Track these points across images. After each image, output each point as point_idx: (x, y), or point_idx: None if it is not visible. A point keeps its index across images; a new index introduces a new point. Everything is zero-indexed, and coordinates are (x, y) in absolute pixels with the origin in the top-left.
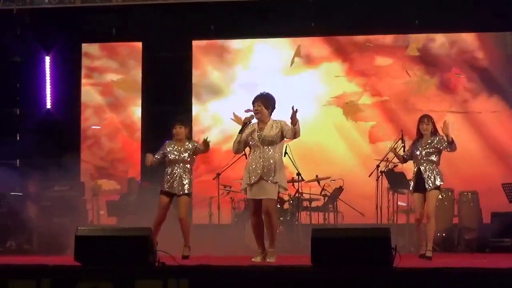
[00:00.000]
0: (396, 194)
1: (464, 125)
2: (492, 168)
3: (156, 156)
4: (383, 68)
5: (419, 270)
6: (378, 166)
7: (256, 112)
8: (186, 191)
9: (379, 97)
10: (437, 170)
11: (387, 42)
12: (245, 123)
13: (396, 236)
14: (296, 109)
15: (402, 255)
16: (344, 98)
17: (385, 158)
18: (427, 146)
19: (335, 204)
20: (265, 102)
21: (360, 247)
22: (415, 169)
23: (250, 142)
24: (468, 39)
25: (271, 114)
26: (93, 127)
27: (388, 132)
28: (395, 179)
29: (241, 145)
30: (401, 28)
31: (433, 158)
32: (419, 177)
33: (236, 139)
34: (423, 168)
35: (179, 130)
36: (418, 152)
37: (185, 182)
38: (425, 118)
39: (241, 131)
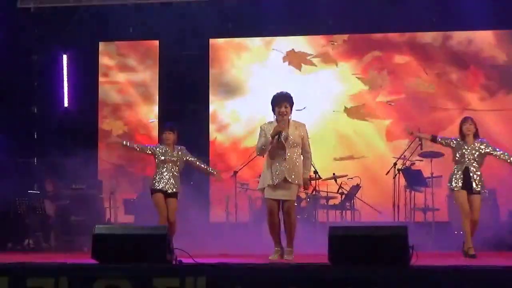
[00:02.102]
0: (413, 192)
1: (481, 123)
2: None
3: (131, 142)
4: (400, 66)
5: (437, 269)
6: (395, 164)
7: (285, 114)
8: (175, 190)
9: (396, 95)
10: (481, 174)
11: (405, 40)
12: (280, 132)
13: (413, 234)
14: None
15: (420, 254)
16: (361, 96)
17: (402, 156)
18: (476, 148)
19: (352, 202)
20: (290, 103)
21: (377, 245)
22: (460, 168)
23: (276, 145)
24: (486, 36)
25: (291, 114)
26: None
27: (405, 130)
28: (412, 177)
29: (268, 150)
30: (418, 26)
31: (481, 160)
32: (466, 177)
33: (264, 143)
34: (472, 169)
35: (168, 136)
36: (466, 152)
37: (175, 182)
38: (469, 119)
39: (273, 138)
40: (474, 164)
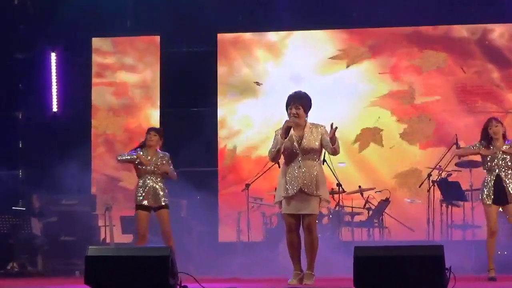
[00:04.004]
0: (450, 206)
1: None
2: None
3: (125, 154)
4: (434, 63)
5: None
6: (429, 175)
7: (296, 115)
8: (163, 203)
9: (429, 96)
10: None
11: (439, 34)
12: (289, 128)
13: (450, 255)
14: (336, 127)
15: (458, 277)
16: (390, 98)
17: (438, 166)
18: (507, 152)
19: (380, 218)
20: (304, 104)
21: (409, 267)
22: (490, 177)
23: (288, 150)
24: None
25: (307, 116)
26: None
27: (440, 136)
28: (449, 190)
29: (281, 153)
30: (454, 18)
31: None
32: (498, 186)
33: (276, 145)
34: (504, 174)
35: (153, 137)
36: (496, 158)
37: (160, 194)
38: (494, 120)
39: (284, 136)
40: (507, 171)
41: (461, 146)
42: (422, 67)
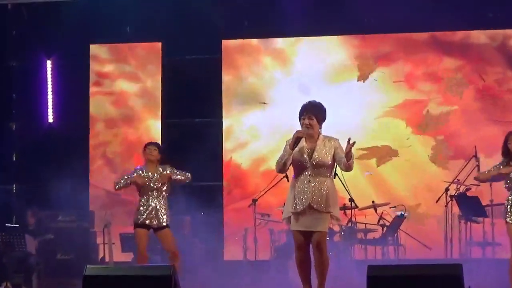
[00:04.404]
0: (469, 223)
1: None
2: None
3: (121, 181)
4: (451, 71)
5: None
6: (447, 189)
7: (308, 126)
8: (165, 223)
9: (447, 106)
10: None
11: (456, 40)
12: (298, 138)
13: (470, 274)
14: (353, 142)
15: None
16: (405, 108)
17: (456, 180)
18: None
19: (395, 235)
20: (318, 114)
21: (426, 287)
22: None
23: (297, 162)
24: None
25: (321, 128)
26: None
27: (458, 148)
28: (468, 205)
29: (288, 164)
30: (472, 23)
31: None
32: None
33: (283, 156)
34: None
35: (153, 152)
36: None
37: (162, 214)
38: None
39: (292, 148)
40: None
41: (480, 159)
42: (439, 75)
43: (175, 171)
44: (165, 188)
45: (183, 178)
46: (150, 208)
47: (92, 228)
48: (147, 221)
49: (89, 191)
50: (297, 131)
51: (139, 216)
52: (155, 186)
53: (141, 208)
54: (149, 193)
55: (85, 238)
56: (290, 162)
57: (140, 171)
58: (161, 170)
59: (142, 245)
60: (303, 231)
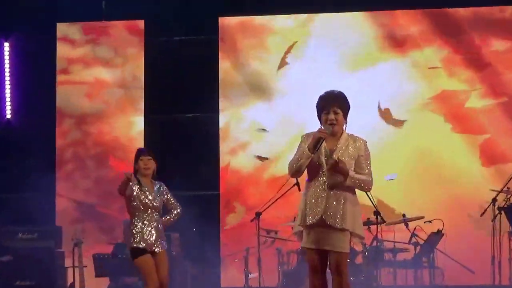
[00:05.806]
0: None
1: None
2: None
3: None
4: (501, 55)
5: None
6: (494, 200)
7: (334, 123)
8: (164, 247)
9: (495, 98)
10: None
11: (505, 17)
12: (321, 139)
13: None
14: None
15: None
16: (444, 100)
17: (505, 188)
18: None
19: (431, 256)
20: (343, 107)
21: None
22: None
23: (312, 164)
24: None
25: (346, 123)
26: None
27: (508, 149)
28: None
29: (304, 169)
30: None
31: None
32: None
33: (299, 158)
34: None
35: (148, 162)
36: None
37: (161, 235)
38: None
39: (313, 150)
40: None
41: None
42: (484, 60)
43: (170, 198)
44: (160, 206)
45: (172, 216)
46: (147, 233)
47: (59, 247)
48: (148, 246)
49: (55, 202)
50: (319, 130)
51: (136, 241)
52: (153, 204)
53: (136, 229)
54: (146, 212)
55: (50, 260)
56: (306, 166)
57: (135, 189)
58: (158, 186)
59: (152, 273)
60: (318, 250)
